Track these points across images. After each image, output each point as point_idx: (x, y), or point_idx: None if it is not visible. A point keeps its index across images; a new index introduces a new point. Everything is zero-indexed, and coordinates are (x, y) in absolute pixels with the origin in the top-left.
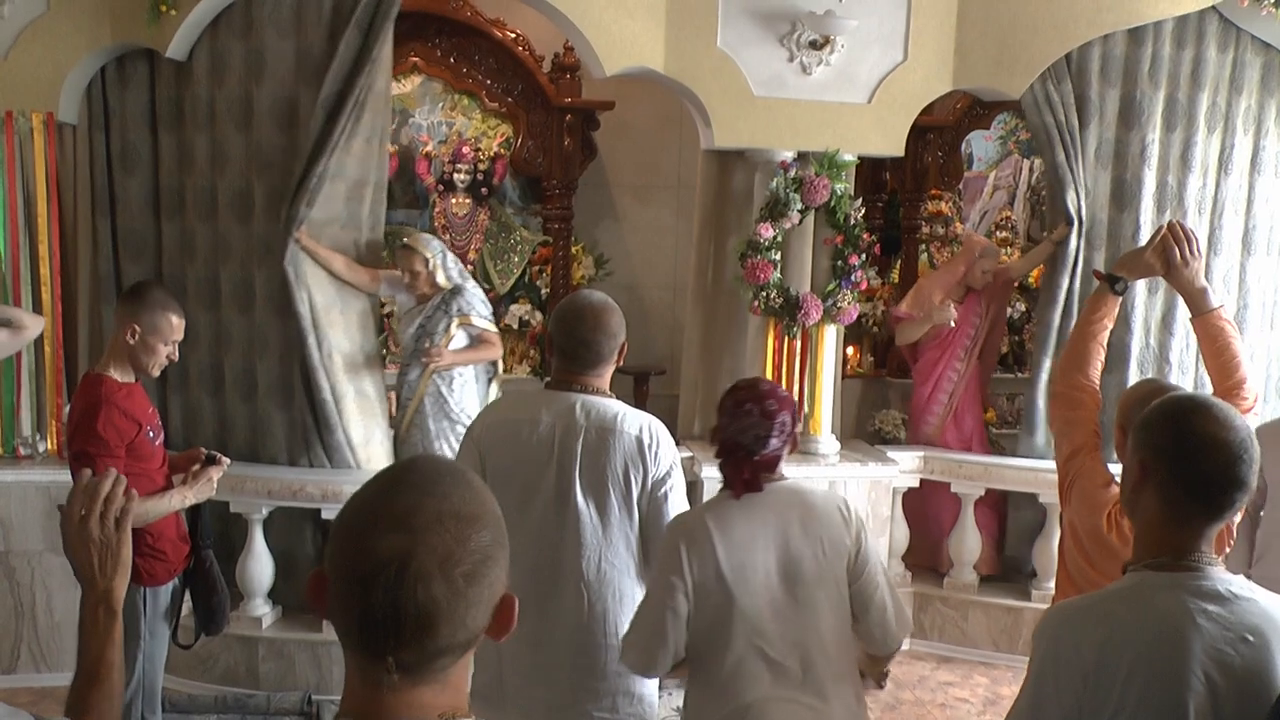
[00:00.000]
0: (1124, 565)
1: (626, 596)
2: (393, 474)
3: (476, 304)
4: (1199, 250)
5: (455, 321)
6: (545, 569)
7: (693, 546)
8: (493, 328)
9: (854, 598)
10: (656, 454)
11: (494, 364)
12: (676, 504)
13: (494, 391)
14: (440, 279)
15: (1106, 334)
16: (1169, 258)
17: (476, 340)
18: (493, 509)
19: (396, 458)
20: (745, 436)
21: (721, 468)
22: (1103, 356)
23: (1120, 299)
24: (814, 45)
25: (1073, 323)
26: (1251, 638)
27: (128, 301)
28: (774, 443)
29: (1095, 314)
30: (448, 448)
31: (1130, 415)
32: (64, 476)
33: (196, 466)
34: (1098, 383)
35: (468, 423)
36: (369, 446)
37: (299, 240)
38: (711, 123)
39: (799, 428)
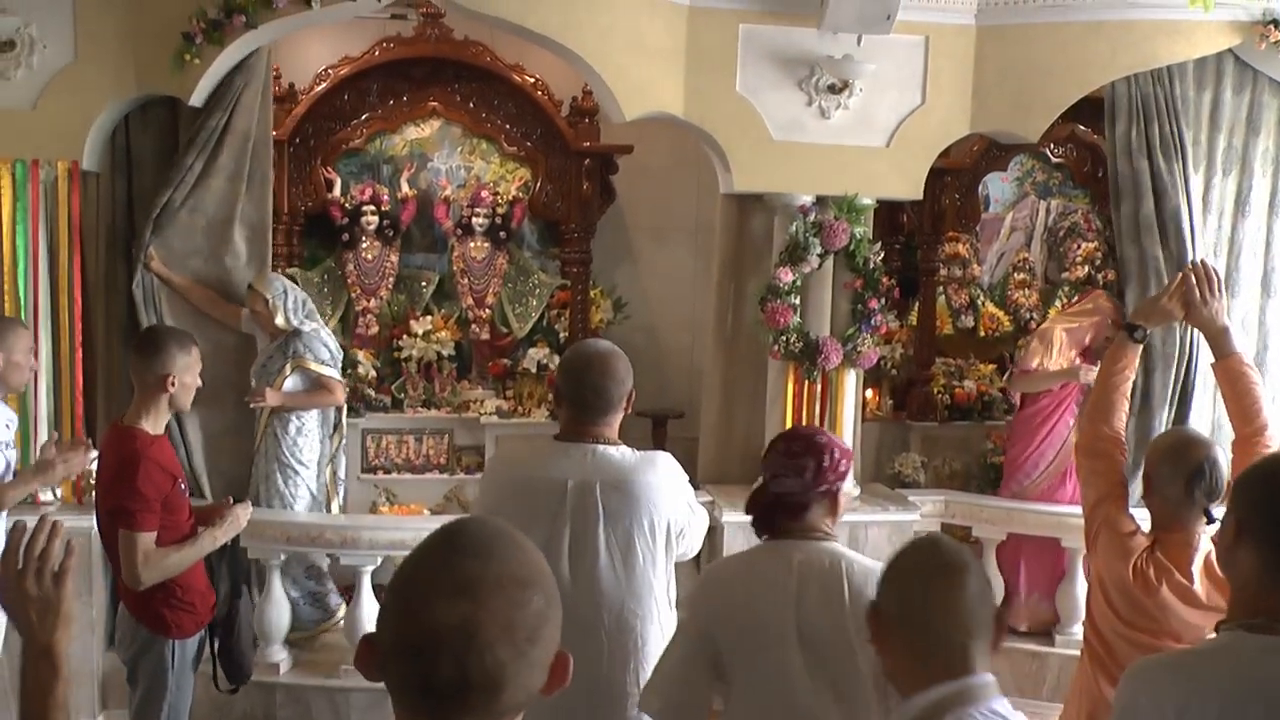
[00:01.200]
0: (1217, 623)
1: (650, 642)
2: (444, 539)
3: (316, 348)
4: (1220, 290)
5: (290, 364)
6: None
7: (709, 599)
8: (333, 373)
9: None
10: (675, 499)
11: (338, 410)
12: (697, 534)
13: (339, 441)
14: (279, 320)
15: (1129, 384)
16: (1188, 298)
17: (315, 385)
18: (543, 568)
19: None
20: (767, 472)
21: (745, 506)
22: (1126, 406)
23: (1140, 347)
24: (832, 89)
25: None
26: None
27: (150, 354)
28: (789, 483)
29: (1116, 365)
30: (278, 491)
31: (1156, 463)
32: (83, 522)
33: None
34: (1122, 432)
35: (300, 468)
36: (210, 478)
37: (148, 265)
38: (731, 167)
39: (839, 484)
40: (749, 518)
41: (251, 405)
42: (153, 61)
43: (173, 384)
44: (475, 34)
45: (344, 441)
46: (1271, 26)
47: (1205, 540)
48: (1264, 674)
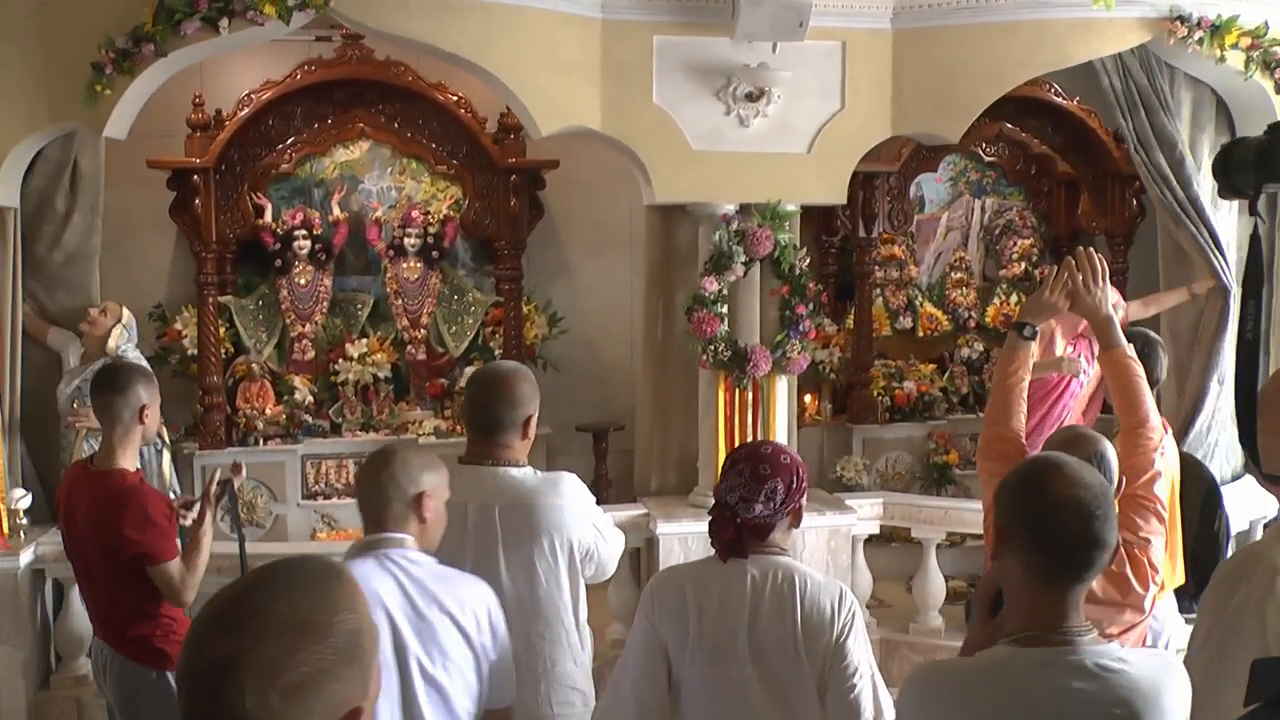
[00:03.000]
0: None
1: (559, 664)
2: (256, 574)
3: None
4: (1105, 279)
5: None
6: None
7: (663, 604)
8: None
9: (823, 691)
10: (579, 521)
11: (161, 436)
12: (608, 556)
13: (166, 462)
14: (111, 343)
15: (1025, 384)
16: (1072, 288)
17: None
18: (349, 621)
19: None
20: (731, 495)
21: (709, 526)
22: (1024, 407)
23: (1032, 345)
24: (750, 97)
25: None
26: (1119, 711)
27: (123, 390)
28: (758, 508)
29: (1010, 365)
30: None
31: None
32: (8, 564)
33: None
34: (1022, 433)
35: None
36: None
37: None
38: (651, 179)
39: (802, 499)
40: (710, 542)
41: (76, 426)
42: (65, 93)
43: (147, 415)
44: (397, 54)
45: (172, 460)
46: (1179, 23)
47: None
48: (1032, 690)
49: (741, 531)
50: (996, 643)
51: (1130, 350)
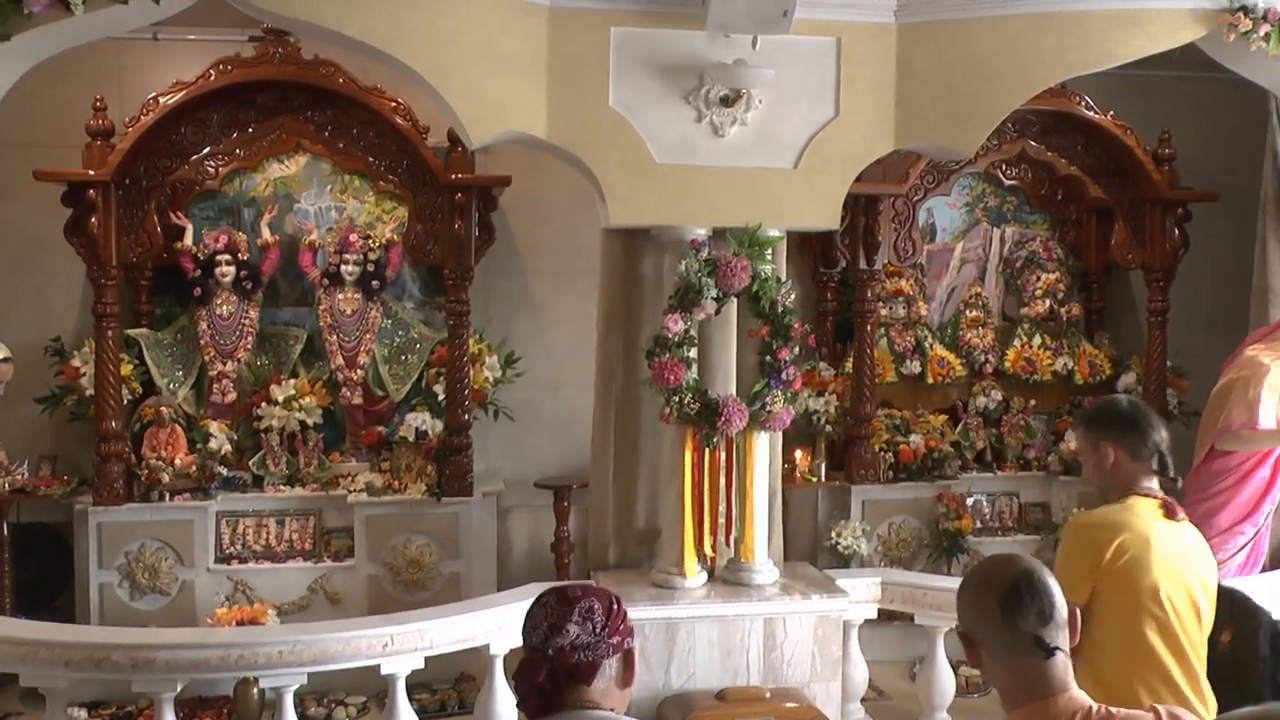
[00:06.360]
0: None
1: None
2: None
3: None
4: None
5: None
6: None
7: None
8: None
9: None
10: None
11: None
12: None
13: None
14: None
15: None
16: None
17: None
18: None
19: None
20: (536, 634)
21: (515, 676)
22: None
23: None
24: (725, 101)
25: None
26: None
27: None
28: (574, 631)
29: None
30: None
31: (962, 606)
32: None
33: None
34: None
35: None
36: None
37: None
38: (607, 197)
39: (630, 639)
40: (516, 702)
41: None
42: None
43: None
44: (328, 52)
45: None
46: (1241, 14)
47: (1076, 696)
48: None
49: (556, 674)
50: None
51: None
